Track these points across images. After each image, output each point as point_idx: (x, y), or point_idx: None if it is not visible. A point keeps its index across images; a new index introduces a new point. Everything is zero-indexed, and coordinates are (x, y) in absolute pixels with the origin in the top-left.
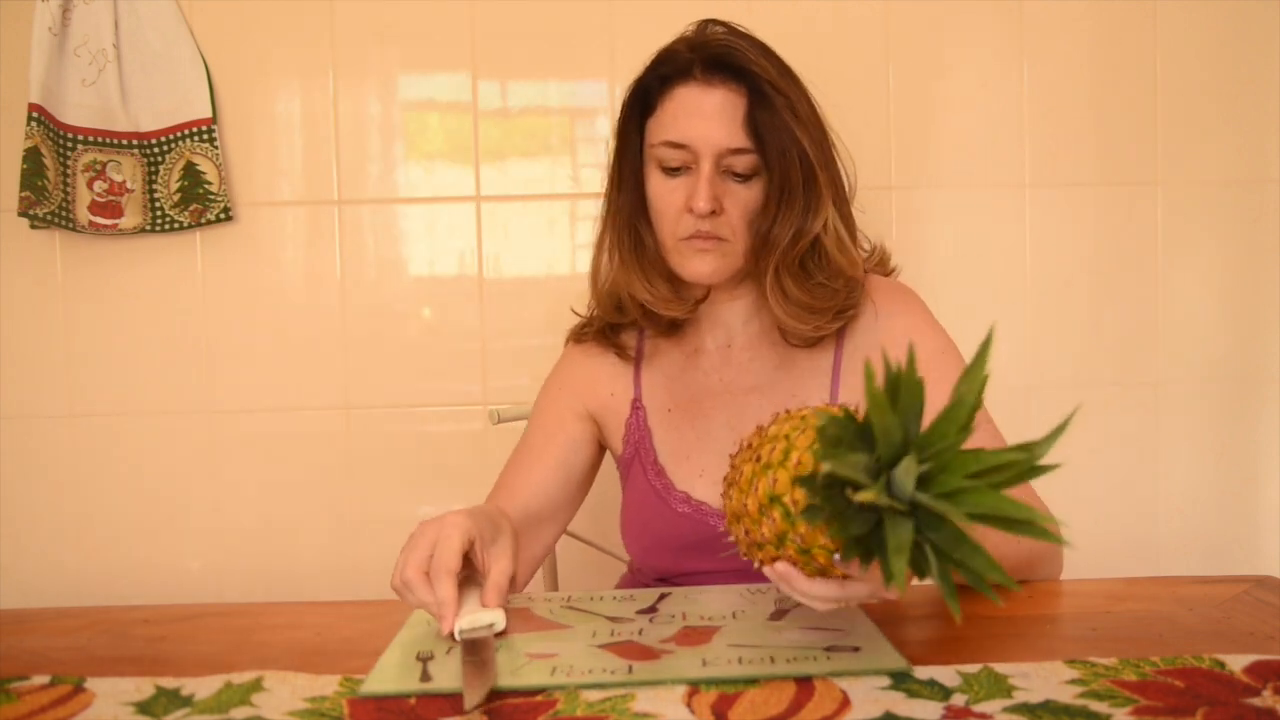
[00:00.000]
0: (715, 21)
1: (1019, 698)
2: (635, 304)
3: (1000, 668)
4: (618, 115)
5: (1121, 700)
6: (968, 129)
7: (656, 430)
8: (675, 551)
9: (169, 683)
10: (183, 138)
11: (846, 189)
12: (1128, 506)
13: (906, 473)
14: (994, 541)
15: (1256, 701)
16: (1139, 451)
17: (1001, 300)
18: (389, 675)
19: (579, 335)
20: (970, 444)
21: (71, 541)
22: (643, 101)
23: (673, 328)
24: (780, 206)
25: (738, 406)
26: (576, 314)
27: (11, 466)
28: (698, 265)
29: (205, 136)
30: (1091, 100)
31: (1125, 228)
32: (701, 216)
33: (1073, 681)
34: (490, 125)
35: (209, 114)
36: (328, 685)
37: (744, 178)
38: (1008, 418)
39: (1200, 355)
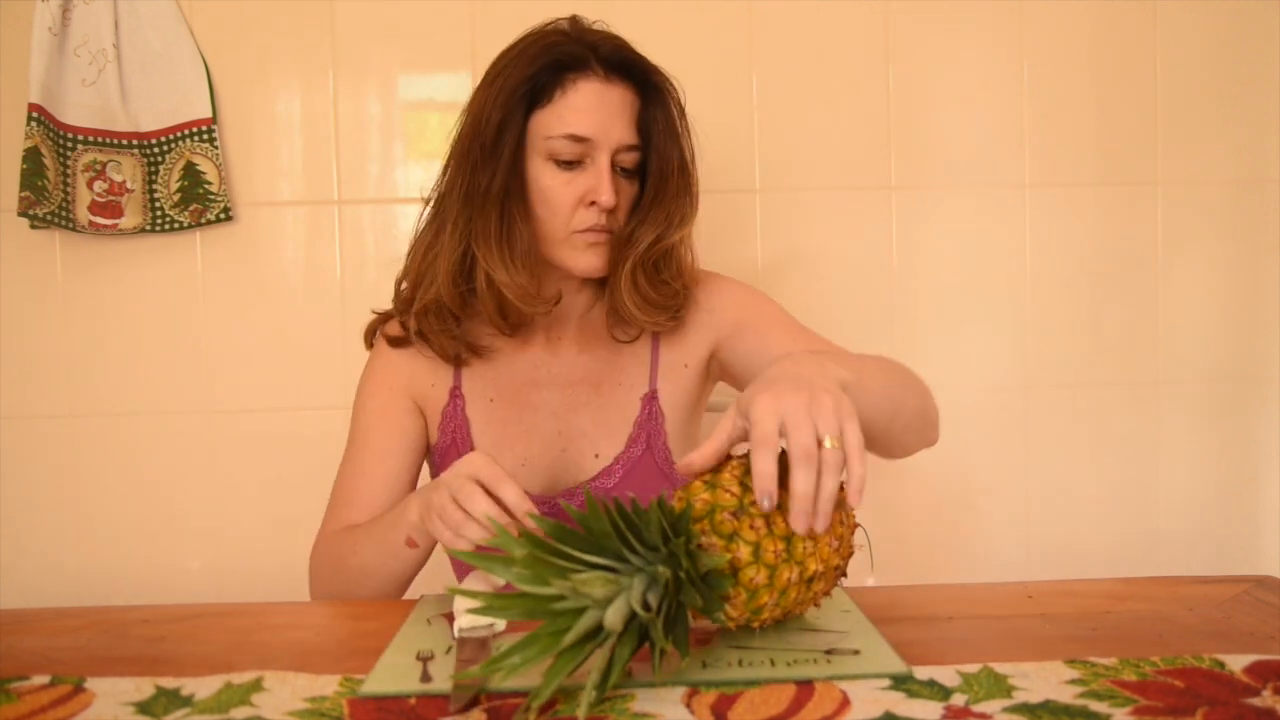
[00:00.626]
0: (578, 18)
1: (1019, 698)
2: (491, 295)
3: (1000, 668)
4: (488, 96)
5: (1121, 700)
6: (968, 129)
7: (476, 420)
8: None
9: (169, 683)
10: (183, 138)
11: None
12: (1128, 506)
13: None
14: (884, 388)
15: (1256, 701)
16: (1139, 451)
17: (1001, 300)
18: (389, 675)
19: (396, 340)
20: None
21: (71, 541)
22: (530, 92)
23: (514, 326)
24: (653, 206)
25: (565, 398)
26: (375, 312)
27: (11, 466)
28: (591, 259)
29: (205, 136)
30: (1091, 100)
31: (1125, 228)
32: (605, 210)
33: (1073, 681)
34: None
35: (209, 114)
36: (328, 685)
37: (629, 174)
38: (1008, 418)
39: (1200, 355)
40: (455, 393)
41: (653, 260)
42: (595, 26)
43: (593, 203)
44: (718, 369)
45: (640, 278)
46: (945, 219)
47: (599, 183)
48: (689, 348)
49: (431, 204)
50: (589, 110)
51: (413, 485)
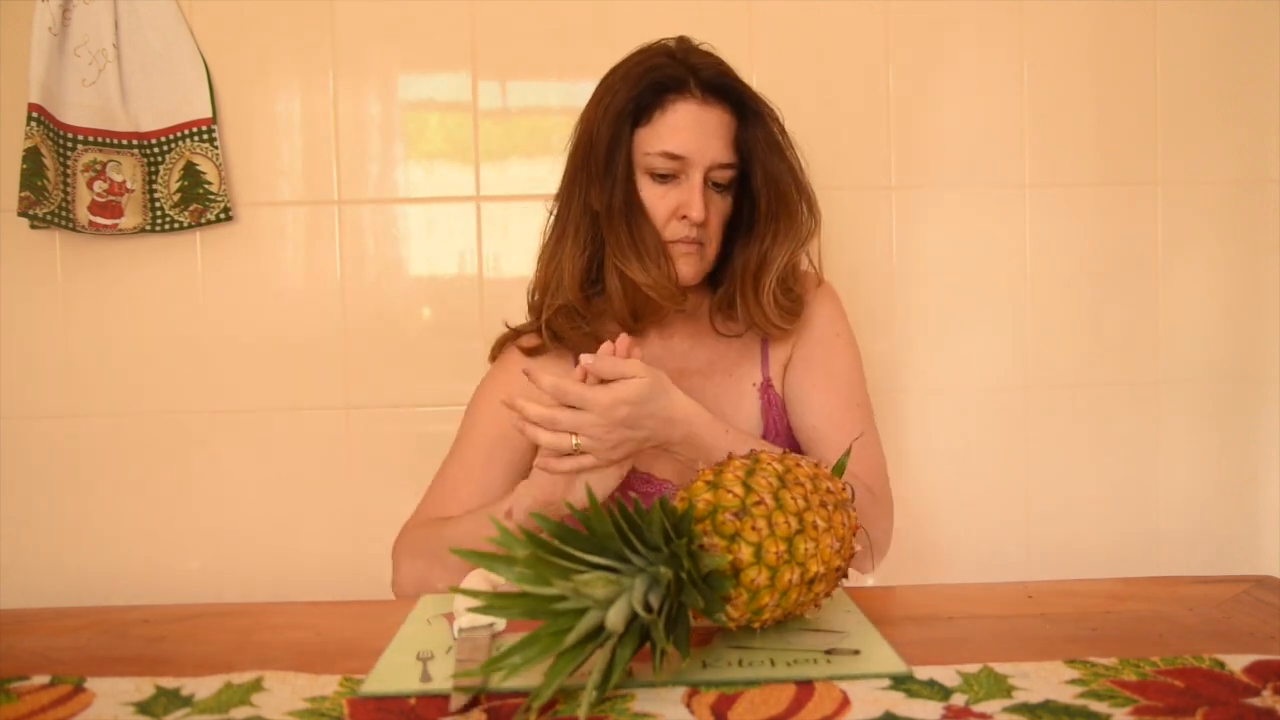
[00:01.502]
0: (685, 39)
1: (1019, 698)
2: (625, 295)
3: (1000, 668)
4: (597, 115)
5: (1121, 700)
6: (968, 129)
7: None
8: None
9: (169, 683)
10: (183, 138)
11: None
12: (1128, 506)
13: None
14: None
15: (1256, 701)
16: (1139, 451)
17: (1001, 300)
18: (389, 675)
19: (532, 350)
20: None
21: (71, 541)
22: (633, 112)
23: (642, 321)
24: (778, 219)
25: (682, 388)
26: (508, 326)
27: (11, 466)
28: (684, 267)
29: (205, 136)
30: (1091, 100)
31: (1125, 228)
32: (695, 224)
33: (1073, 681)
34: (490, 125)
35: (209, 114)
36: (328, 685)
37: (723, 189)
38: (1008, 418)
39: (1200, 355)
40: None
41: (785, 273)
42: (702, 48)
43: (684, 216)
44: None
45: (778, 292)
46: (945, 219)
47: (691, 197)
48: (786, 348)
49: (553, 215)
50: (685, 130)
51: (510, 489)
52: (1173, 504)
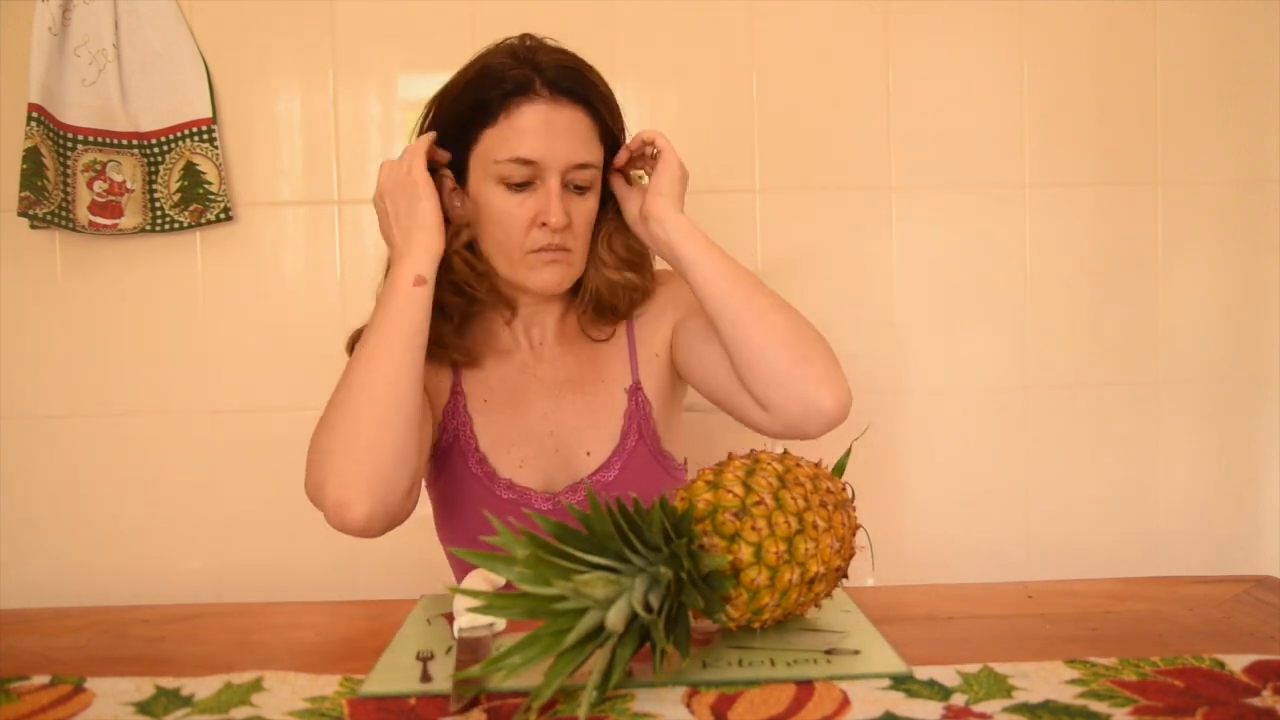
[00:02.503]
0: (530, 36)
1: (1019, 698)
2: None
3: (1000, 668)
4: (432, 122)
5: (1121, 700)
6: (968, 129)
7: (476, 418)
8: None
9: (169, 683)
10: (183, 138)
11: None
12: (1128, 506)
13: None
14: (745, 278)
15: (1256, 701)
16: (1139, 451)
17: (1001, 300)
18: (389, 675)
19: None
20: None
21: (71, 541)
22: (475, 115)
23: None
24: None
25: (553, 399)
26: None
27: (11, 466)
28: (549, 276)
29: (205, 136)
30: (1091, 100)
31: (1125, 228)
32: (556, 230)
33: (1073, 681)
34: None
35: (209, 114)
36: (328, 685)
37: (583, 189)
38: (1008, 418)
39: (1200, 355)
40: (456, 389)
41: (626, 240)
42: (549, 43)
43: (544, 223)
44: (672, 353)
45: (616, 240)
46: (945, 219)
47: (548, 203)
48: (659, 338)
49: None
50: (534, 132)
51: (425, 456)
52: (1173, 504)
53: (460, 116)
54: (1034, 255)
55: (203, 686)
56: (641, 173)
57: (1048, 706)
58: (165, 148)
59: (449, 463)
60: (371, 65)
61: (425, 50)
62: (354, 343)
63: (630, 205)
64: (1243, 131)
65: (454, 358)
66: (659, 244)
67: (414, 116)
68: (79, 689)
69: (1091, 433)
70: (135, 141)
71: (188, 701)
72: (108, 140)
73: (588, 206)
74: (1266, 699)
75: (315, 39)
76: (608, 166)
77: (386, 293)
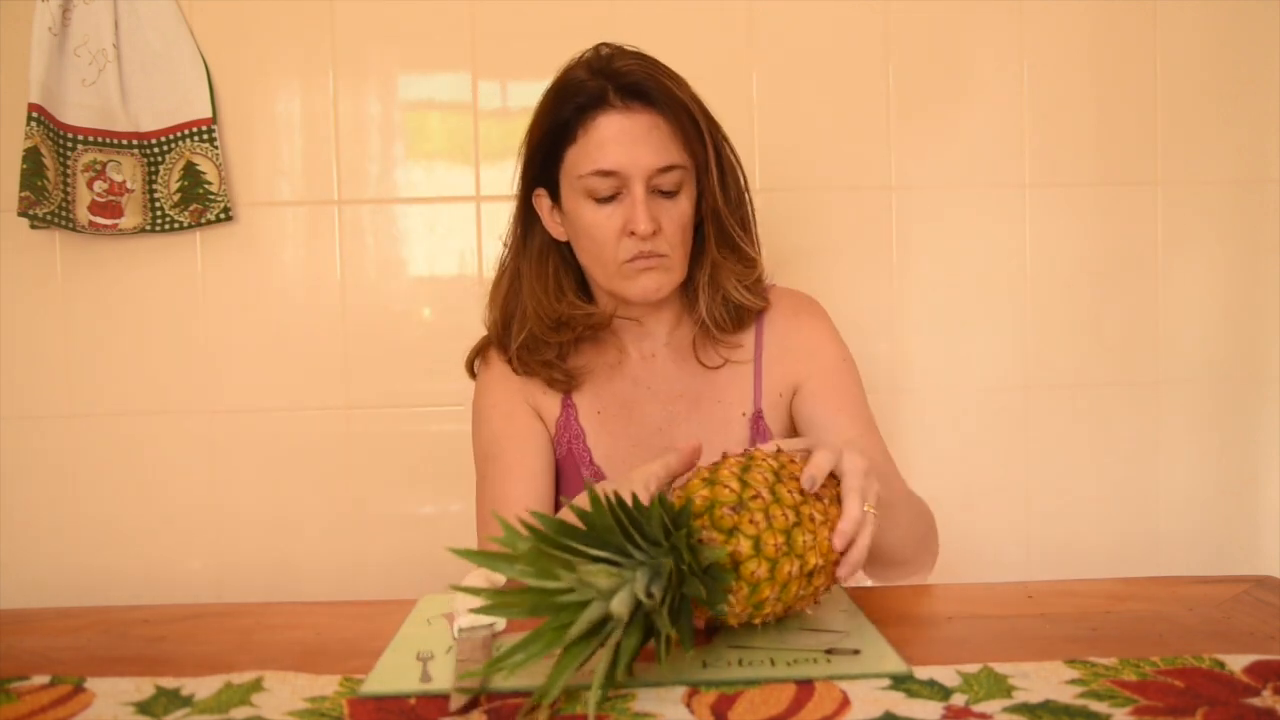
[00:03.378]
0: (606, 45)
1: (1019, 698)
2: (578, 318)
3: (1000, 668)
4: (527, 151)
5: (1121, 700)
6: (967, 129)
7: (590, 431)
8: None
9: (169, 683)
10: (183, 138)
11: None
12: (1128, 506)
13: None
14: (902, 507)
15: (1256, 701)
16: (1139, 451)
17: (1002, 300)
18: (389, 675)
19: (500, 358)
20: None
21: (71, 541)
22: (558, 133)
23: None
24: (717, 209)
25: (667, 413)
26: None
27: (11, 466)
28: (645, 283)
29: (205, 136)
30: (1091, 100)
31: (1125, 228)
32: (644, 238)
33: (1073, 681)
34: (490, 125)
35: (209, 114)
36: (328, 685)
37: (672, 194)
38: (1008, 418)
39: (1200, 355)
40: (567, 402)
41: (727, 230)
42: (626, 50)
43: (632, 231)
44: (793, 404)
45: (723, 248)
46: (945, 219)
47: (634, 211)
48: (786, 380)
49: (508, 248)
50: (612, 143)
51: (554, 485)
52: (1173, 504)
53: (545, 139)
54: (1034, 255)
55: (203, 686)
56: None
57: (1048, 706)
58: (165, 148)
59: (564, 476)
60: (371, 65)
61: (425, 50)
62: (472, 364)
63: None
64: (1243, 131)
65: (554, 380)
66: None
67: (414, 116)
68: (79, 689)
69: (1091, 433)
70: (135, 141)
71: (188, 701)
72: (108, 140)
73: (680, 210)
74: (1266, 699)
75: (315, 39)
76: (705, 166)
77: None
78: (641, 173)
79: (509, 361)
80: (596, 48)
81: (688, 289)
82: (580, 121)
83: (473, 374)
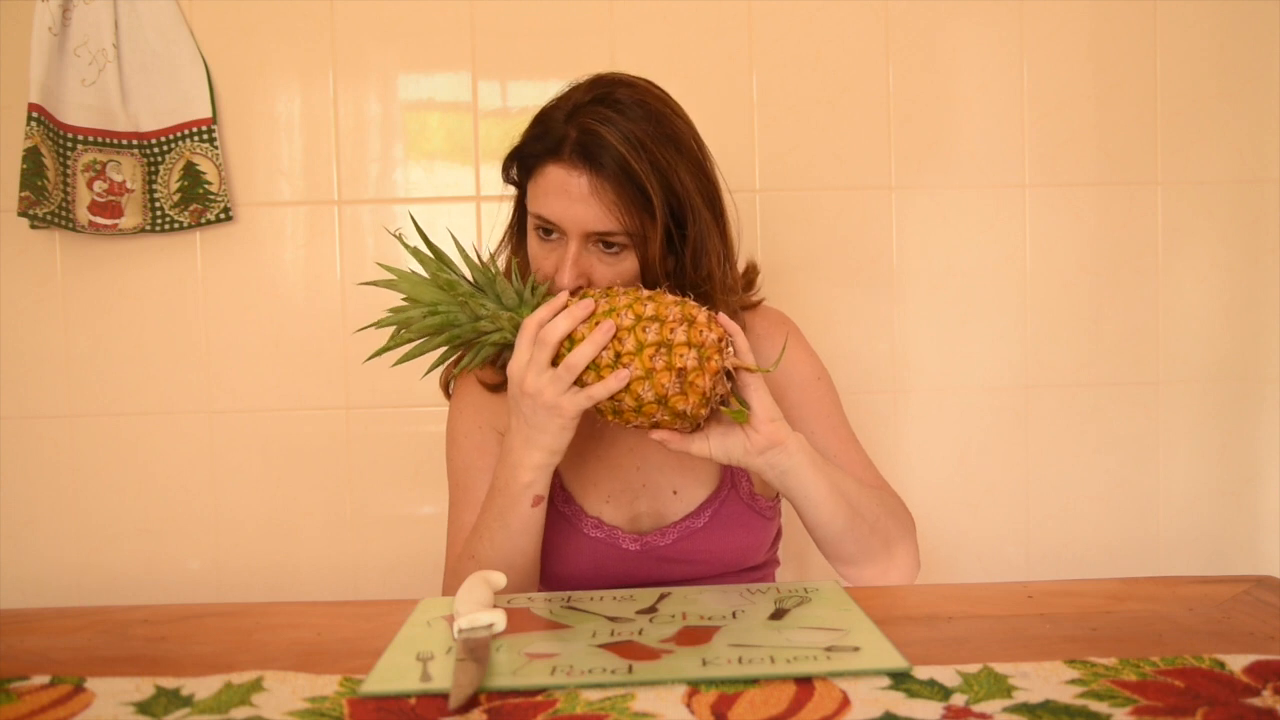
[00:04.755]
0: (606, 80)
1: (1019, 698)
2: None
3: (1000, 668)
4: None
5: (1121, 700)
6: (968, 129)
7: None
8: (587, 574)
9: (169, 683)
10: (183, 138)
11: (733, 235)
12: (1128, 506)
13: None
14: (847, 488)
15: (1256, 701)
16: (1139, 451)
17: (1002, 300)
18: (389, 675)
19: (495, 386)
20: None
21: (71, 541)
22: (524, 165)
23: None
24: (681, 270)
25: (638, 434)
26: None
27: (11, 466)
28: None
29: (205, 136)
30: (1091, 100)
31: (1125, 228)
32: (565, 290)
33: (1073, 681)
34: (490, 125)
35: (209, 114)
36: (328, 685)
37: (612, 249)
38: (1008, 418)
39: (1200, 355)
40: None
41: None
42: (617, 94)
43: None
44: None
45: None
46: (945, 219)
47: (563, 263)
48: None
49: (507, 247)
50: (553, 195)
51: None
52: (1173, 504)
53: (517, 161)
54: (1034, 255)
55: (203, 686)
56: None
57: (1048, 706)
58: (165, 148)
59: None
60: (371, 65)
61: (425, 50)
62: (447, 386)
63: (732, 445)
64: (1243, 131)
65: None
66: (775, 471)
67: (414, 116)
68: (79, 689)
69: (1091, 433)
70: (135, 141)
71: (188, 701)
72: (108, 140)
73: (621, 268)
74: (1266, 699)
75: (315, 39)
76: (634, 233)
77: (504, 499)
78: (577, 229)
79: (484, 371)
80: (595, 80)
81: None
82: (535, 164)
83: (448, 394)
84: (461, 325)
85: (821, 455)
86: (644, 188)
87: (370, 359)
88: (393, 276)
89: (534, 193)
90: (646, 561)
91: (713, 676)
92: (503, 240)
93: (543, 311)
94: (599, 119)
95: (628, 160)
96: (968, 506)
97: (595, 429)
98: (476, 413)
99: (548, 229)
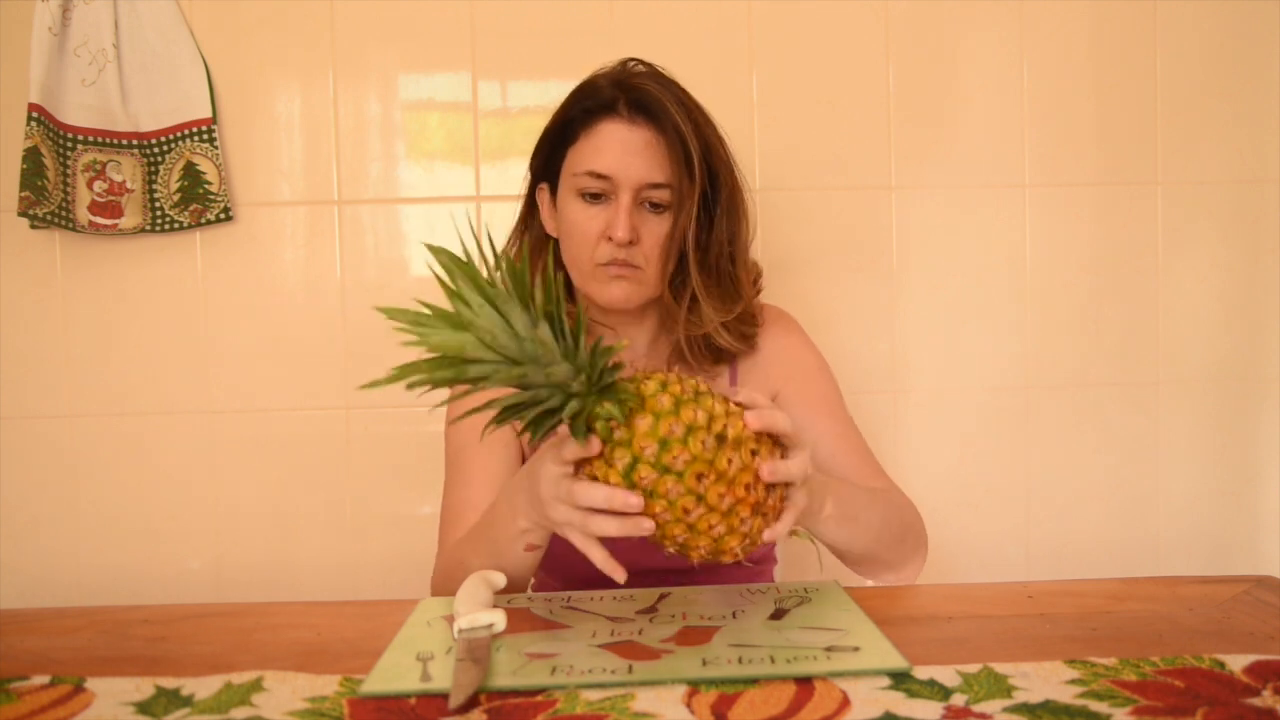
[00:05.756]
0: (638, 61)
1: (1019, 698)
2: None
3: (1000, 668)
4: (538, 144)
5: (1121, 700)
6: (968, 129)
7: None
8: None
9: (169, 683)
10: (183, 138)
11: (749, 228)
12: (1128, 506)
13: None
14: (871, 516)
15: (1256, 701)
16: (1139, 451)
17: (1002, 300)
18: (389, 675)
19: None
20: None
21: (71, 541)
22: (563, 132)
23: None
24: (704, 239)
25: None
26: None
27: (11, 466)
28: (614, 291)
29: (205, 136)
30: (1092, 100)
31: (1125, 228)
32: (620, 245)
33: (1073, 681)
34: (490, 125)
35: (209, 114)
36: (328, 685)
37: (658, 209)
38: (1008, 418)
39: (1200, 355)
40: None
41: (711, 263)
42: (651, 70)
43: (610, 237)
44: None
45: (705, 279)
46: (945, 219)
47: (616, 218)
48: (763, 389)
49: (510, 236)
50: (609, 149)
51: None
52: (1173, 504)
53: (554, 135)
54: (1034, 255)
55: (203, 686)
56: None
57: (1048, 706)
58: (165, 148)
59: None
60: (371, 65)
61: (425, 50)
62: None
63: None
64: (1243, 131)
65: None
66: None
67: (414, 116)
68: (79, 689)
69: (1091, 433)
70: (135, 141)
71: (188, 701)
72: (108, 140)
73: (662, 228)
74: (1266, 699)
75: (315, 39)
76: (706, 193)
77: (500, 535)
78: (631, 183)
79: None
80: (625, 61)
81: (666, 309)
82: (585, 123)
83: None
84: (534, 388)
85: (830, 470)
86: (689, 147)
87: (414, 389)
88: (435, 309)
89: (584, 151)
90: (650, 548)
91: (713, 676)
92: (509, 241)
93: (598, 497)
94: (649, 79)
95: (678, 119)
96: (968, 506)
97: None
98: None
99: (594, 193)
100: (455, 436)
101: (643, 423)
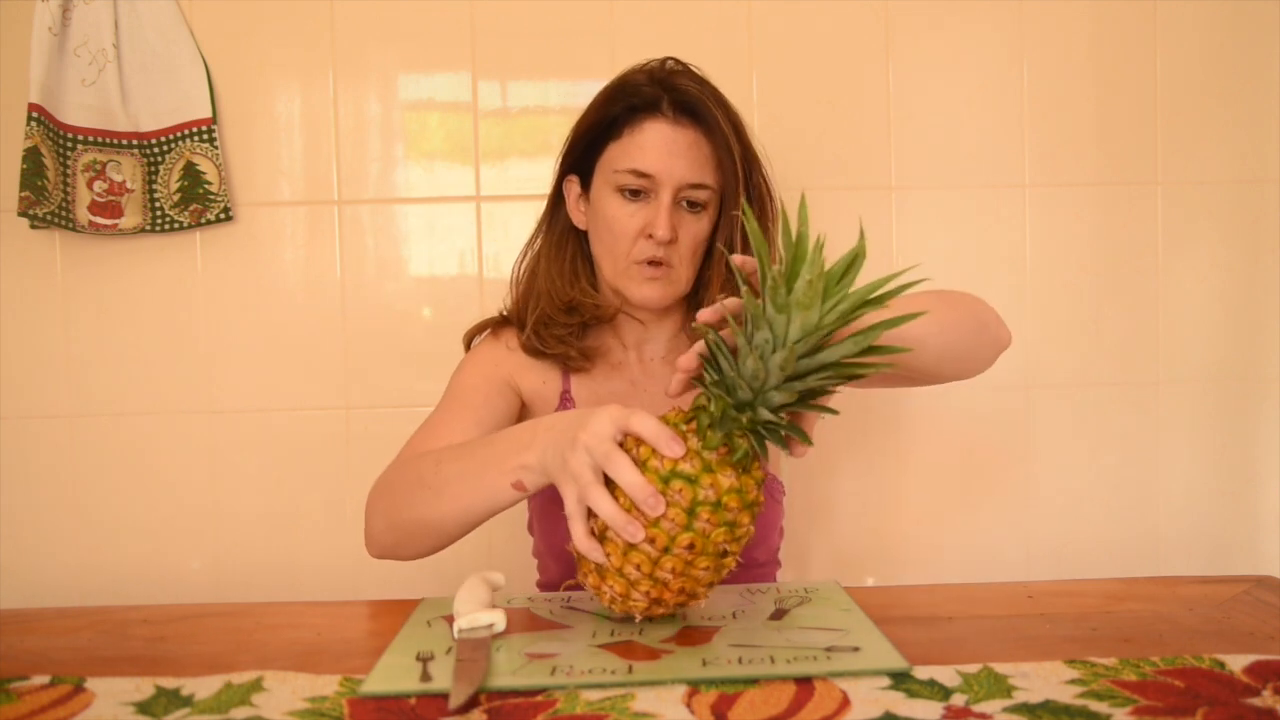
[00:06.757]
0: (675, 60)
1: (1019, 698)
2: (586, 305)
3: (1000, 668)
4: (574, 135)
5: (1121, 700)
6: (968, 129)
7: None
8: None
9: (169, 683)
10: (183, 138)
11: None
12: (1128, 506)
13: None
14: (933, 317)
15: (1256, 701)
16: (1139, 451)
17: (1001, 300)
18: (389, 675)
19: (500, 330)
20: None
21: (71, 541)
22: (604, 128)
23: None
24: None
25: (662, 413)
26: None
27: (11, 466)
28: (648, 290)
29: (205, 136)
30: (1091, 100)
31: (1125, 228)
32: (660, 243)
33: (1073, 681)
34: (490, 125)
35: (209, 114)
36: (328, 685)
37: (695, 209)
38: (1008, 418)
39: (1200, 355)
40: (565, 395)
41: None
42: (690, 70)
43: (650, 235)
44: None
45: (733, 278)
46: (945, 219)
47: (657, 217)
48: None
49: (540, 231)
50: (653, 148)
51: None
52: (1173, 504)
53: (591, 129)
54: (1034, 255)
55: (203, 686)
56: None
57: (1048, 706)
58: (165, 148)
59: None
60: (371, 65)
61: (425, 50)
62: (470, 340)
63: None
64: (1243, 131)
65: (570, 357)
66: None
67: (414, 116)
68: (79, 689)
69: (1091, 433)
70: (135, 141)
71: (188, 701)
72: (108, 140)
73: (699, 227)
74: (1266, 699)
75: (315, 39)
76: (731, 199)
77: (493, 458)
78: (673, 182)
79: (526, 338)
80: (663, 60)
81: (691, 306)
82: (629, 120)
83: (468, 349)
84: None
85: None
86: (732, 150)
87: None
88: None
89: (627, 148)
90: None
91: (713, 676)
92: (535, 230)
93: (628, 475)
94: (690, 80)
95: (719, 120)
96: (968, 506)
97: (623, 404)
98: (496, 355)
99: (635, 189)
100: (469, 375)
101: (725, 479)
